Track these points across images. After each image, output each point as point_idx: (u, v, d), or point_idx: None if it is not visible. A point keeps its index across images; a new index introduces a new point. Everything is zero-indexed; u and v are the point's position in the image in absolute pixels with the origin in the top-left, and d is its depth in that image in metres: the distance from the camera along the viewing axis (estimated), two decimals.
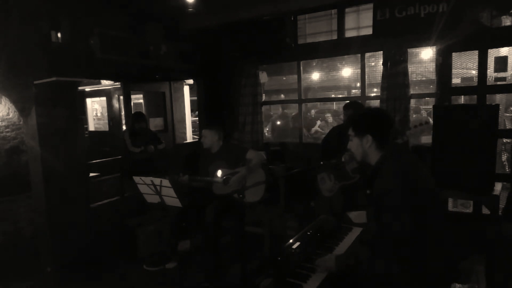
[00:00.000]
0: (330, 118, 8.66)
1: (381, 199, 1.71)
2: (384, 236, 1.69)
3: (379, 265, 1.70)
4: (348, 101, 3.97)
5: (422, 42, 4.14)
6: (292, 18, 5.03)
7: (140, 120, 4.93)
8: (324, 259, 1.92)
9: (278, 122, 8.94)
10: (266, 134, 8.86)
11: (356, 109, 3.65)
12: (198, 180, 3.69)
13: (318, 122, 8.66)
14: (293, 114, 8.31)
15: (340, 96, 9.26)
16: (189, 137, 7.54)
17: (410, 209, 1.64)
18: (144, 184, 3.05)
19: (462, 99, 5.11)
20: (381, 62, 4.38)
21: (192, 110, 8.47)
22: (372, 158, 1.90)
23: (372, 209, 1.83)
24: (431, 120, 3.86)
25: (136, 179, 3.08)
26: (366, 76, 4.73)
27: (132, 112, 5.79)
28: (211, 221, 3.43)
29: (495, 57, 3.84)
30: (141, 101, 8.18)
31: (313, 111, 9.44)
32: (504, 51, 3.94)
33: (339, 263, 1.85)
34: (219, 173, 3.63)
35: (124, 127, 7.45)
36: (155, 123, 6.58)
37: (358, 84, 5.51)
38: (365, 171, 3.34)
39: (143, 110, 7.10)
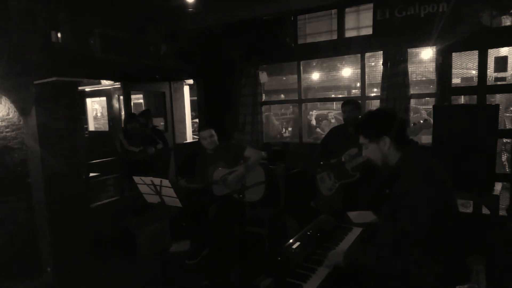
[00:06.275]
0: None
1: (403, 199, 1.67)
2: (403, 235, 1.66)
3: (395, 264, 1.68)
4: (345, 100, 3.95)
5: (422, 42, 4.13)
6: (292, 18, 5.02)
7: (131, 121, 5.02)
8: (333, 253, 1.92)
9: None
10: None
11: (354, 105, 3.64)
12: (197, 183, 3.67)
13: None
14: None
15: (340, 96, 9.25)
16: (189, 137, 7.53)
17: (432, 210, 1.63)
18: (144, 184, 3.05)
19: (462, 99, 5.11)
20: (381, 62, 4.37)
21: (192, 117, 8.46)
22: (392, 159, 1.82)
23: (388, 209, 1.79)
24: (431, 119, 3.86)
25: (136, 179, 3.08)
26: (366, 76, 4.72)
27: (132, 112, 5.80)
28: (214, 222, 3.43)
29: (495, 57, 3.83)
30: (141, 101, 8.18)
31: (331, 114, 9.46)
32: (504, 51, 3.93)
33: (347, 258, 1.85)
34: (217, 173, 3.61)
35: None
36: (155, 123, 6.57)
37: (358, 84, 5.50)
38: (365, 170, 3.34)
39: None
